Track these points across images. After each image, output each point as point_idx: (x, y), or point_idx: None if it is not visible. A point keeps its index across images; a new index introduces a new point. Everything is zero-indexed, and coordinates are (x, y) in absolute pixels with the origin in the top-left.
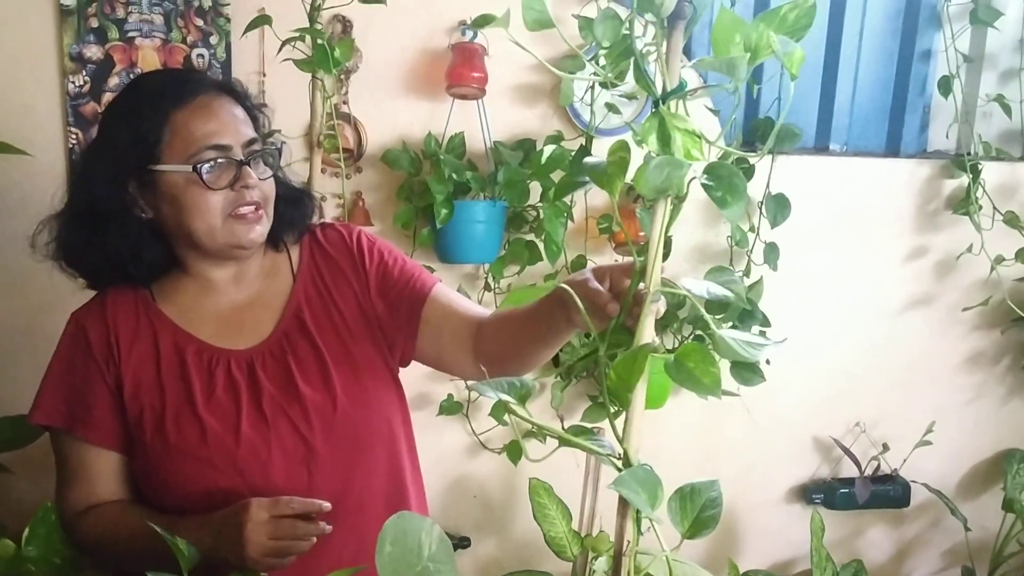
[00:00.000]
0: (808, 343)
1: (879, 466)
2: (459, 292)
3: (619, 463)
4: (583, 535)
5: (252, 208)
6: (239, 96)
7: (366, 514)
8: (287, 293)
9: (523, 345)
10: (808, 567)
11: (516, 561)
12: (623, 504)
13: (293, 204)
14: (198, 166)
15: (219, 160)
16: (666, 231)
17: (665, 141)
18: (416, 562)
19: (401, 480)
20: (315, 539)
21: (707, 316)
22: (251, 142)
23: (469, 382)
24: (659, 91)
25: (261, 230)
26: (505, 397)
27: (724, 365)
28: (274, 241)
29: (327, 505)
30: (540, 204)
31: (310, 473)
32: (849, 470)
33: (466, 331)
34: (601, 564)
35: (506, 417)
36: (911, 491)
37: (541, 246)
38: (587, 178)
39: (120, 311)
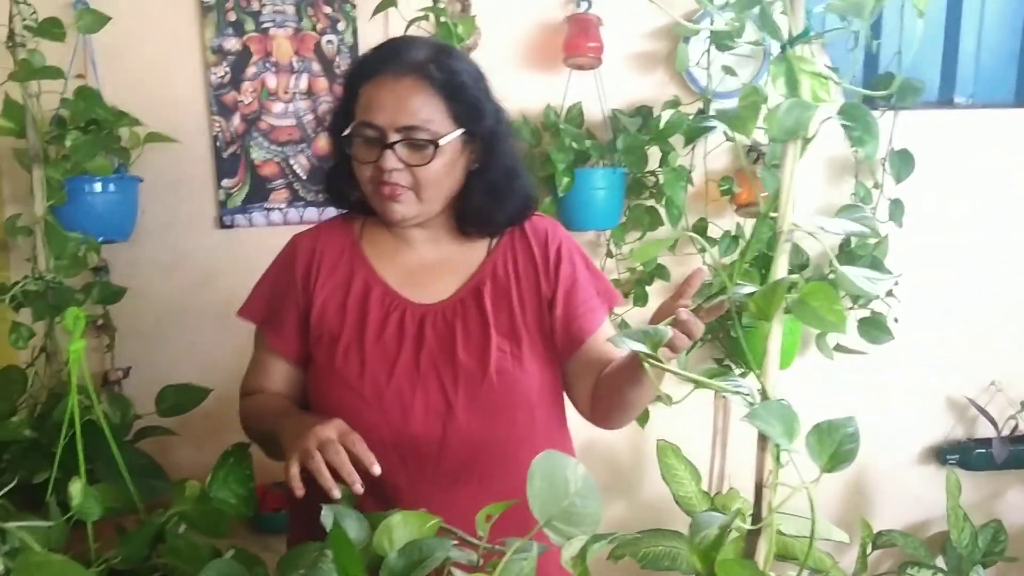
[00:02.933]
0: (937, 301)
1: (1016, 426)
2: None
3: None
4: (712, 495)
5: (390, 188)
6: (436, 82)
7: (493, 480)
8: (476, 265)
9: (622, 406)
10: (942, 529)
11: (645, 522)
12: (762, 438)
13: (492, 196)
14: (349, 137)
15: (367, 135)
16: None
17: (793, 84)
18: (563, 496)
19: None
20: (337, 487)
21: (831, 253)
22: (407, 128)
23: None
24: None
25: (403, 211)
26: (640, 347)
27: (852, 325)
28: (463, 223)
29: (377, 469)
30: (659, 169)
31: (444, 430)
32: (985, 430)
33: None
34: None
35: None
36: None
37: (661, 211)
38: (714, 123)
39: (330, 242)
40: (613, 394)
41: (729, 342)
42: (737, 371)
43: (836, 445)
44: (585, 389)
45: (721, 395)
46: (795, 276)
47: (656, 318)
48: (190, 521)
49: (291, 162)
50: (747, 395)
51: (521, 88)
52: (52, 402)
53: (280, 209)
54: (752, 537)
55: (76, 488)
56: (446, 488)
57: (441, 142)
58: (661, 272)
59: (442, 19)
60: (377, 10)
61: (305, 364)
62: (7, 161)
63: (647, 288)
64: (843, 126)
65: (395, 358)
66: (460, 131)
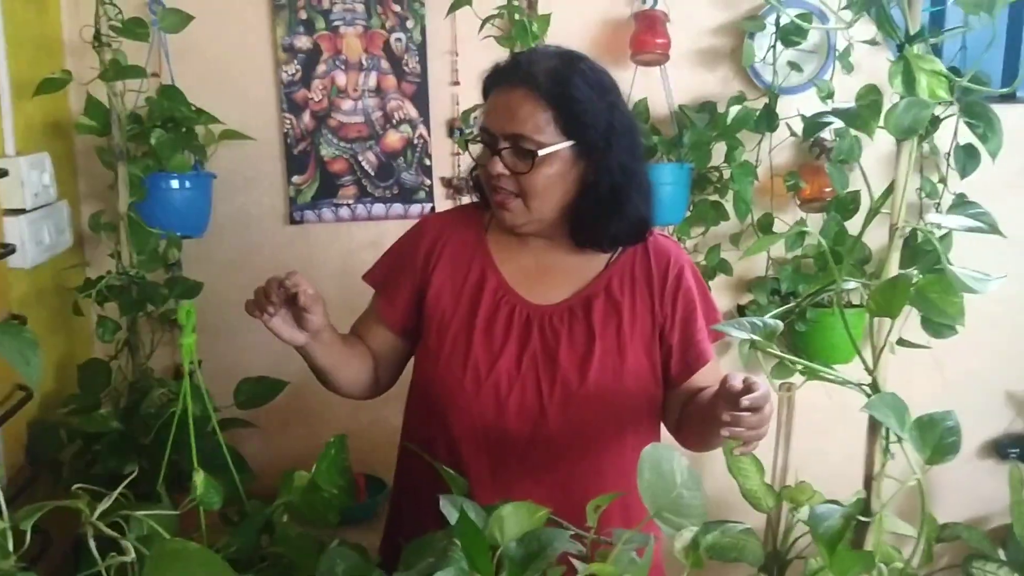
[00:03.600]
0: (997, 294)
1: None
2: None
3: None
4: (777, 488)
5: (500, 196)
6: (545, 94)
7: (573, 484)
8: (592, 276)
9: (702, 437)
10: (1003, 522)
11: (709, 514)
12: (871, 431)
13: (599, 211)
14: (470, 139)
15: (484, 140)
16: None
17: (910, 83)
18: (671, 488)
19: (624, 464)
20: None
21: (940, 248)
22: (513, 136)
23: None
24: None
25: (511, 218)
26: (752, 336)
27: (915, 316)
28: (575, 234)
29: (298, 291)
30: (723, 165)
31: (534, 430)
32: None
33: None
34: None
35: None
36: None
37: (726, 206)
38: (833, 119)
39: (458, 228)
40: (698, 424)
41: (793, 336)
42: (798, 365)
43: (938, 438)
44: (677, 413)
45: (786, 388)
46: (912, 270)
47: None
48: (297, 511)
49: (359, 158)
50: (862, 386)
51: None
52: (137, 395)
53: (348, 205)
54: (861, 529)
55: (199, 479)
56: (526, 485)
57: (541, 152)
58: (724, 267)
59: (516, 17)
60: (451, 9)
61: (405, 336)
62: (84, 158)
63: (709, 283)
64: (967, 123)
65: (499, 353)
66: (567, 143)
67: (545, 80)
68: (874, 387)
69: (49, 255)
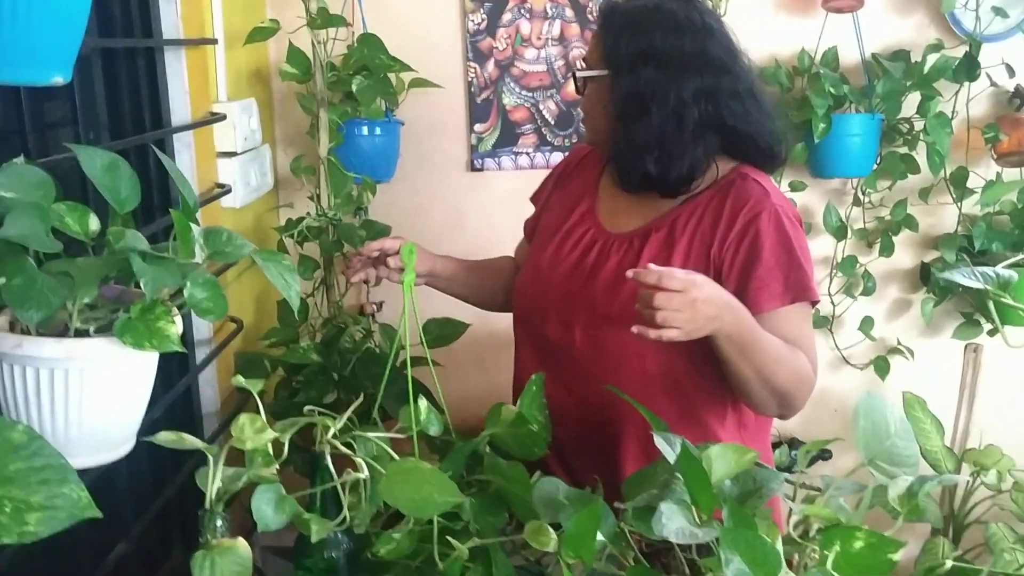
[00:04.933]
0: None
1: None
2: (827, 208)
3: None
4: (957, 451)
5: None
6: (604, 22)
7: (598, 400)
8: (662, 212)
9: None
10: None
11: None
12: None
13: (629, 153)
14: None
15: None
16: None
17: None
18: (885, 437)
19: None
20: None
21: None
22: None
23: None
24: None
25: (584, 137)
26: (984, 286)
27: None
28: (625, 173)
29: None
30: (915, 116)
31: (567, 342)
32: None
33: None
34: (991, 477)
35: (873, 332)
36: None
37: (917, 158)
38: None
39: (592, 159)
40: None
41: (977, 296)
42: (987, 326)
43: None
44: None
45: (972, 349)
46: None
47: None
48: (504, 443)
49: (540, 107)
50: None
51: (775, 32)
52: (332, 330)
53: (528, 153)
54: None
55: (423, 407)
56: (561, 394)
57: (579, 74)
58: (910, 222)
59: None
60: None
61: None
62: (282, 104)
63: (894, 238)
64: None
65: (557, 266)
66: (602, 72)
67: (611, 9)
68: None
69: (255, 196)
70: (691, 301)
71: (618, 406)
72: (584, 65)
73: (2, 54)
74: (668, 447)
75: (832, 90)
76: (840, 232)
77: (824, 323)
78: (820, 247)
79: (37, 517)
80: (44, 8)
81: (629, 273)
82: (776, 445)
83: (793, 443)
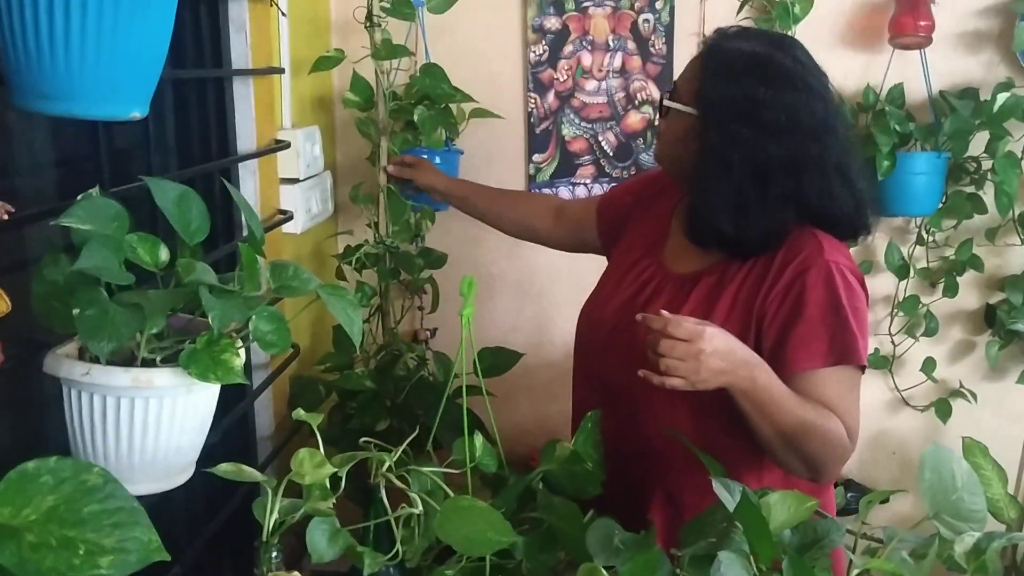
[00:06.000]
0: None
1: None
2: (889, 247)
3: None
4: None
5: None
6: (704, 57)
7: (630, 435)
8: (719, 257)
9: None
10: None
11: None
12: None
13: (698, 204)
14: None
15: None
16: None
17: None
18: (952, 490)
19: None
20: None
21: None
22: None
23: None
24: None
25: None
26: None
27: None
28: (698, 229)
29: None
30: (983, 155)
31: (603, 374)
32: None
33: None
34: None
35: (935, 374)
36: None
37: (984, 198)
38: None
39: (670, 189)
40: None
41: None
42: None
43: None
44: None
45: None
46: None
47: None
48: (557, 480)
49: (599, 139)
50: None
51: (838, 67)
52: (386, 357)
53: (585, 184)
54: None
55: (479, 442)
56: (604, 425)
57: (666, 102)
58: (975, 262)
59: None
60: None
61: (599, 230)
62: (343, 130)
63: (958, 279)
64: None
65: (611, 300)
66: (688, 108)
67: (711, 47)
68: None
69: (315, 222)
70: (696, 352)
71: (648, 447)
72: (674, 91)
73: (85, 90)
74: (727, 493)
75: (897, 127)
76: (902, 271)
77: (884, 363)
78: (881, 286)
79: (109, 560)
80: (126, 47)
81: (638, 317)
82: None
83: (849, 485)
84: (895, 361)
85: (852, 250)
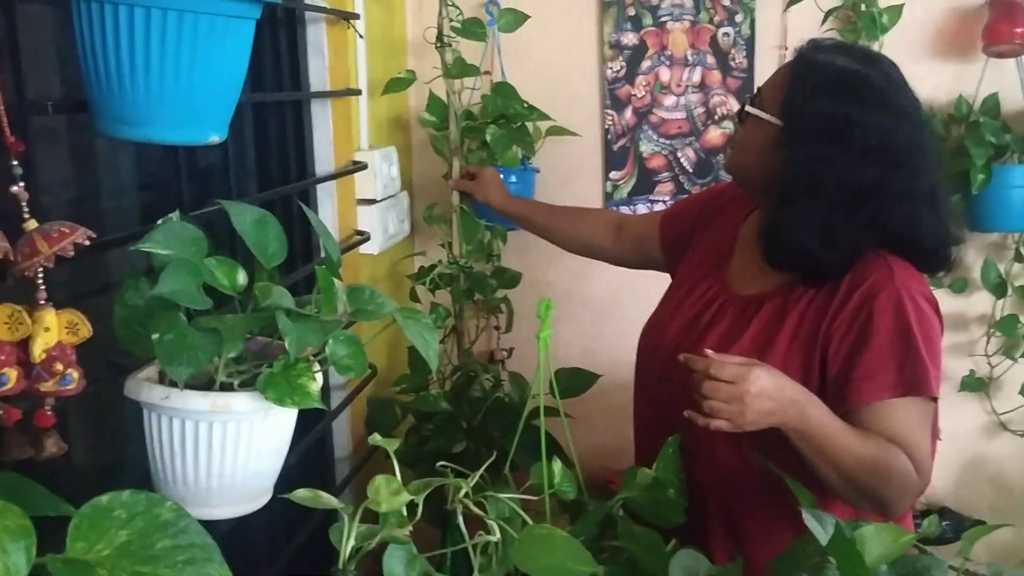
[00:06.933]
0: None
1: None
2: (986, 263)
3: None
4: None
5: None
6: (793, 67)
7: (688, 457)
8: (785, 279)
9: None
10: None
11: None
12: None
13: (772, 226)
14: None
15: None
16: None
17: None
18: None
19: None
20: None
21: None
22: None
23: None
24: None
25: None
26: None
27: None
28: (775, 252)
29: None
30: None
31: (662, 398)
32: None
33: None
34: None
35: None
36: None
37: None
38: None
39: (737, 203)
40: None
41: None
42: None
43: None
44: None
45: None
46: None
47: None
48: (639, 508)
49: (678, 155)
50: None
51: (928, 77)
52: (462, 378)
53: (664, 202)
54: None
55: (558, 468)
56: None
57: (748, 107)
58: None
59: (864, 8)
60: (791, 3)
61: (662, 245)
62: (420, 150)
63: None
64: None
65: (674, 320)
66: (772, 117)
67: (803, 57)
68: None
69: (392, 243)
70: (741, 394)
71: (708, 475)
72: (757, 98)
73: (163, 116)
74: (818, 525)
75: (993, 139)
76: (999, 289)
77: (980, 386)
78: (977, 304)
79: None
80: (204, 73)
81: (681, 357)
82: (925, 514)
83: (944, 513)
84: (992, 383)
85: None
